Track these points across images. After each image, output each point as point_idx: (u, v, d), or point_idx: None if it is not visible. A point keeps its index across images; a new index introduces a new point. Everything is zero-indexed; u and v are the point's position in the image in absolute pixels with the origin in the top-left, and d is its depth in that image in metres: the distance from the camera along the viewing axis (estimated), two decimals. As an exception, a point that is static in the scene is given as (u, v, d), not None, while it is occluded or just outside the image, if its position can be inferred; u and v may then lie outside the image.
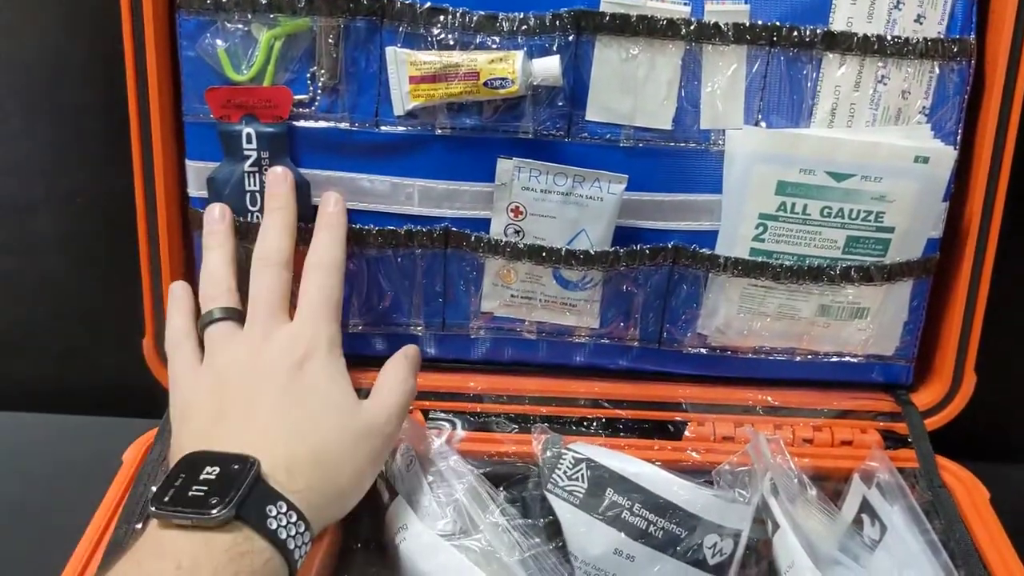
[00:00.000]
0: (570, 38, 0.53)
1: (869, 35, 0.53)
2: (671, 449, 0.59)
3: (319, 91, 0.54)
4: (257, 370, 0.49)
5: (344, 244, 0.54)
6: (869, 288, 0.57)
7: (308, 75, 0.54)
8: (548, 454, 0.54)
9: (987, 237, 0.57)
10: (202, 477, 0.42)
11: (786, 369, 0.61)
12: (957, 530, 0.52)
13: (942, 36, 0.54)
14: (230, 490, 0.41)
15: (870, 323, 0.58)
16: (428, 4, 0.53)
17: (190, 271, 0.59)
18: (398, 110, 0.54)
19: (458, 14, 0.53)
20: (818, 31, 0.53)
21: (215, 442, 0.45)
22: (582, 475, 0.53)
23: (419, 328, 0.60)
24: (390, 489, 0.53)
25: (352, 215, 0.56)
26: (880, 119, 0.55)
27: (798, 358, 0.60)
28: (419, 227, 0.57)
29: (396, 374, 0.53)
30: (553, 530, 0.53)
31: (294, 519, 0.42)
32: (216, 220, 0.55)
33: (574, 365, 0.62)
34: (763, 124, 0.55)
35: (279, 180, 0.54)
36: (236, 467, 0.42)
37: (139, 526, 0.51)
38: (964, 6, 0.54)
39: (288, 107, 0.54)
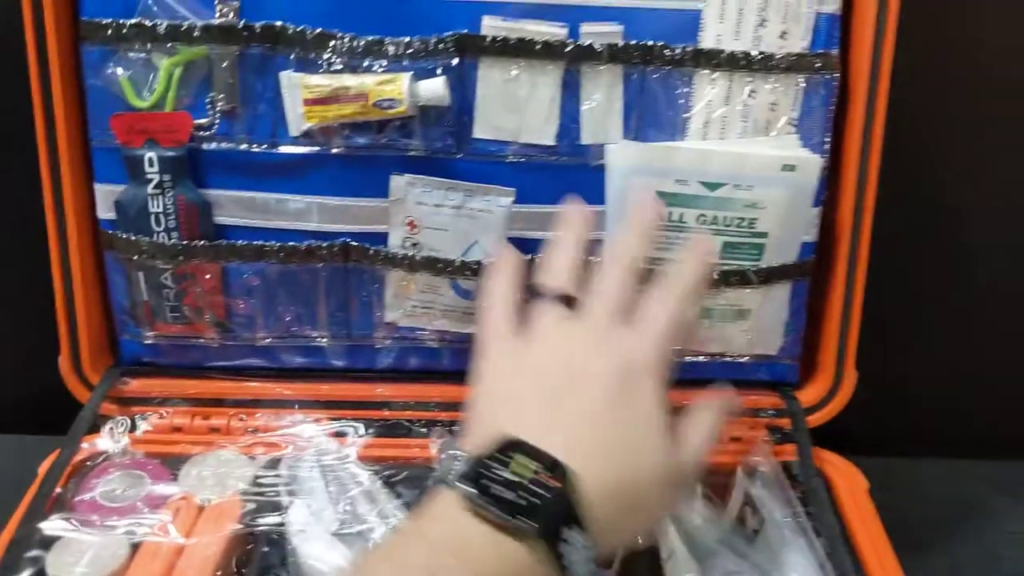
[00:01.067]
0: (454, 61, 0.56)
1: (736, 52, 0.56)
2: (571, 449, 0.61)
3: (218, 115, 0.57)
4: (586, 364, 0.45)
5: (704, 270, 0.50)
6: (748, 291, 0.60)
7: (207, 100, 0.57)
8: (444, 456, 0.57)
9: (859, 240, 0.60)
10: (518, 471, 0.40)
11: (679, 370, 0.63)
12: (826, 515, 0.55)
13: (806, 51, 0.57)
14: (546, 503, 0.39)
15: (752, 324, 0.61)
16: (318, 30, 0.55)
17: (103, 291, 0.62)
18: (294, 131, 0.57)
19: (346, 39, 0.55)
20: (688, 49, 0.56)
21: (531, 431, 0.42)
22: (475, 475, 0.56)
23: (325, 339, 0.63)
24: (291, 492, 0.56)
25: (254, 232, 0.59)
26: (751, 130, 0.58)
27: (688, 359, 0.63)
28: (319, 242, 0.59)
29: (712, 422, 0.50)
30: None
31: (584, 546, 0.40)
32: (575, 208, 0.53)
33: (477, 371, 0.64)
34: (640, 138, 0.58)
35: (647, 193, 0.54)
36: (555, 479, 0.40)
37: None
38: (827, 22, 0.57)
39: (188, 132, 0.57)
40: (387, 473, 0.58)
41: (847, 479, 0.60)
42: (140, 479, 0.56)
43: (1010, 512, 0.71)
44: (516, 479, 0.40)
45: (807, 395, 0.64)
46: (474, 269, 0.59)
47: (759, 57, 0.56)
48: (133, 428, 0.60)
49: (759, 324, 0.61)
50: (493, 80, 0.57)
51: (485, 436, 0.43)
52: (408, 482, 0.58)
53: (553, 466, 0.41)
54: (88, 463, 0.58)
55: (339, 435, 0.60)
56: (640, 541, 0.51)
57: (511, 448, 0.41)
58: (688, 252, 0.51)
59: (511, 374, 0.47)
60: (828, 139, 0.58)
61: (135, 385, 0.63)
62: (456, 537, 0.39)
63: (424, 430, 0.62)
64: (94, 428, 0.60)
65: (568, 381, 0.45)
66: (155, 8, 0.55)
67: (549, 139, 0.58)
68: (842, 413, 0.64)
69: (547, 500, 0.39)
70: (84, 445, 0.58)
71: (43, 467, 0.58)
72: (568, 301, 0.49)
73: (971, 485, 0.72)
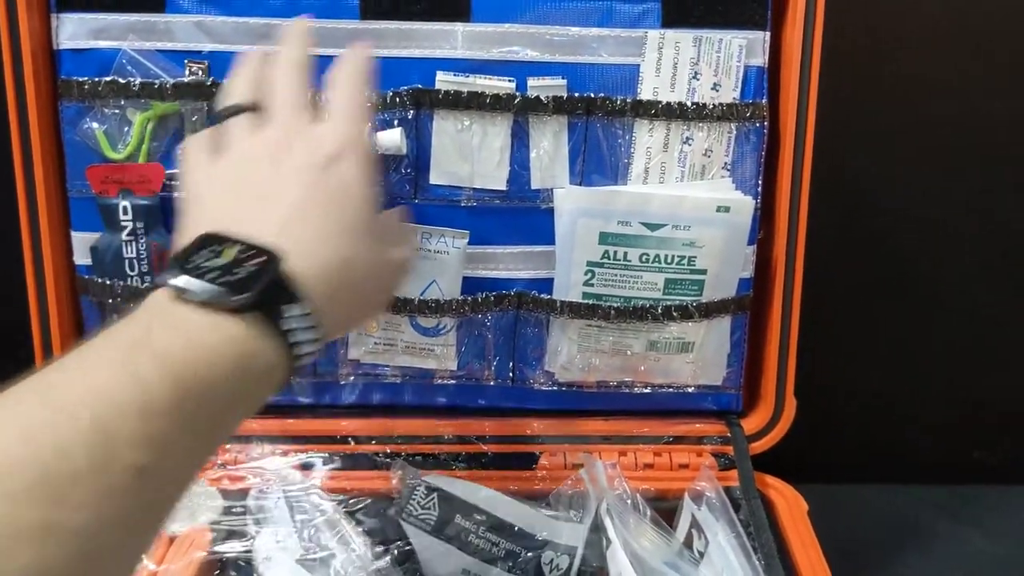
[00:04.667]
0: (410, 113, 0.60)
1: (672, 103, 0.60)
2: (527, 478, 0.64)
3: (189, 166, 0.61)
4: (283, 162, 0.46)
5: (363, 59, 0.51)
6: (690, 324, 0.64)
7: (179, 151, 0.60)
8: (404, 486, 0.60)
9: (793, 275, 0.64)
10: (224, 258, 0.39)
11: (628, 400, 0.67)
12: (764, 536, 0.58)
13: (737, 101, 0.61)
14: (254, 276, 0.39)
15: (696, 356, 0.65)
16: (283, 87, 0.59)
17: (80, 333, 0.65)
18: (260, 180, 0.61)
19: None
20: (628, 100, 0.60)
21: (236, 226, 0.42)
22: (434, 504, 0.59)
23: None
24: (258, 522, 0.58)
25: (223, 275, 0.62)
26: (688, 175, 0.62)
27: (638, 389, 0.66)
28: (285, 284, 0.63)
29: (405, 225, 0.56)
30: (408, 555, 0.58)
31: (309, 326, 0.40)
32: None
33: (438, 405, 0.67)
34: (586, 183, 0.62)
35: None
36: (262, 256, 0.40)
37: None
38: (756, 74, 0.62)
39: (160, 181, 0.60)
40: (351, 502, 0.61)
41: (787, 501, 0.63)
42: (113, 512, 0.59)
43: (951, 535, 0.74)
44: (221, 263, 0.39)
45: (750, 423, 0.67)
46: (432, 307, 0.63)
47: (693, 107, 0.61)
48: (107, 464, 0.62)
49: (703, 355, 0.65)
50: (447, 130, 0.61)
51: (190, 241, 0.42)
52: (368, 510, 0.61)
53: (260, 249, 0.40)
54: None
55: (304, 467, 0.63)
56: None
57: (209, 241, 0.41)
58: (347, 52, 0.52)
59: (212, 184, 0.46)
60: (760, 181, 0.63)
61: (109, 423, 0.66)
62: (174, 318, 0.37)
63: (388, 461, 0.65)
64: (69, 465, 0.62)
65: (269, 177, 0.45)
66: (129, 67, 0.59)
67: (500, 184, 0.62)
68: (788, 441, 0.67)
69: (255, 273, 0.39)
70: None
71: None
72: (253, 109, 0.49)
73: (913, 509, 0.76)
